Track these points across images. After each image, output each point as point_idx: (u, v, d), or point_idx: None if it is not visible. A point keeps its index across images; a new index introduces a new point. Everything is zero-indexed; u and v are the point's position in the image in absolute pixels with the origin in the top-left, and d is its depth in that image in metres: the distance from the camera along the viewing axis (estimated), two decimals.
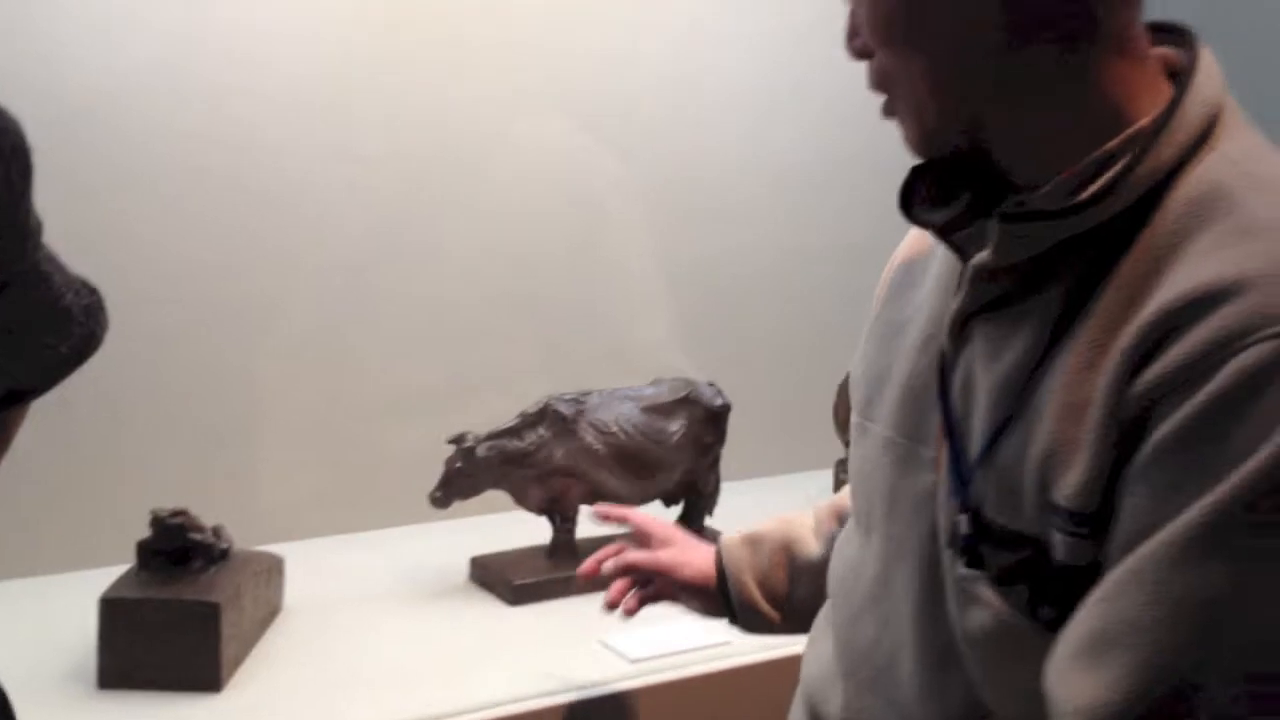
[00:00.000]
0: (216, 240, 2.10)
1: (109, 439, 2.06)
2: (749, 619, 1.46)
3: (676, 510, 2.11)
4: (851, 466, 1.23)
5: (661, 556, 1.54)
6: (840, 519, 1.41)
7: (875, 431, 1.16)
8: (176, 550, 1.73)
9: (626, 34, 2.37)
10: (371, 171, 2.19)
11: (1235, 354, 0.85)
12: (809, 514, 1.47)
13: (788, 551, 1.45)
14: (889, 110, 1.05)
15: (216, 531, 1.78)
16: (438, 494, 1.92)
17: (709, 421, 2.04)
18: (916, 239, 1.21)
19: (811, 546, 1.44)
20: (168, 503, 1.78)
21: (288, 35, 2.11)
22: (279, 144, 2.12)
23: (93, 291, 1.01)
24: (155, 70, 2.03)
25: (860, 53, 1.04)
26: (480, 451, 1.91)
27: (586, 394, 1.99)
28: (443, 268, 2.27)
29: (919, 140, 1.04)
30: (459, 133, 2.25)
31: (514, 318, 2.33)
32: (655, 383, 2.06)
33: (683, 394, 2.03)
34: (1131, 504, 0.90)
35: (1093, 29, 0.97)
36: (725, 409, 2.06)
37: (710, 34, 2.46)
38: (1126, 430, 0.91)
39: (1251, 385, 0.84)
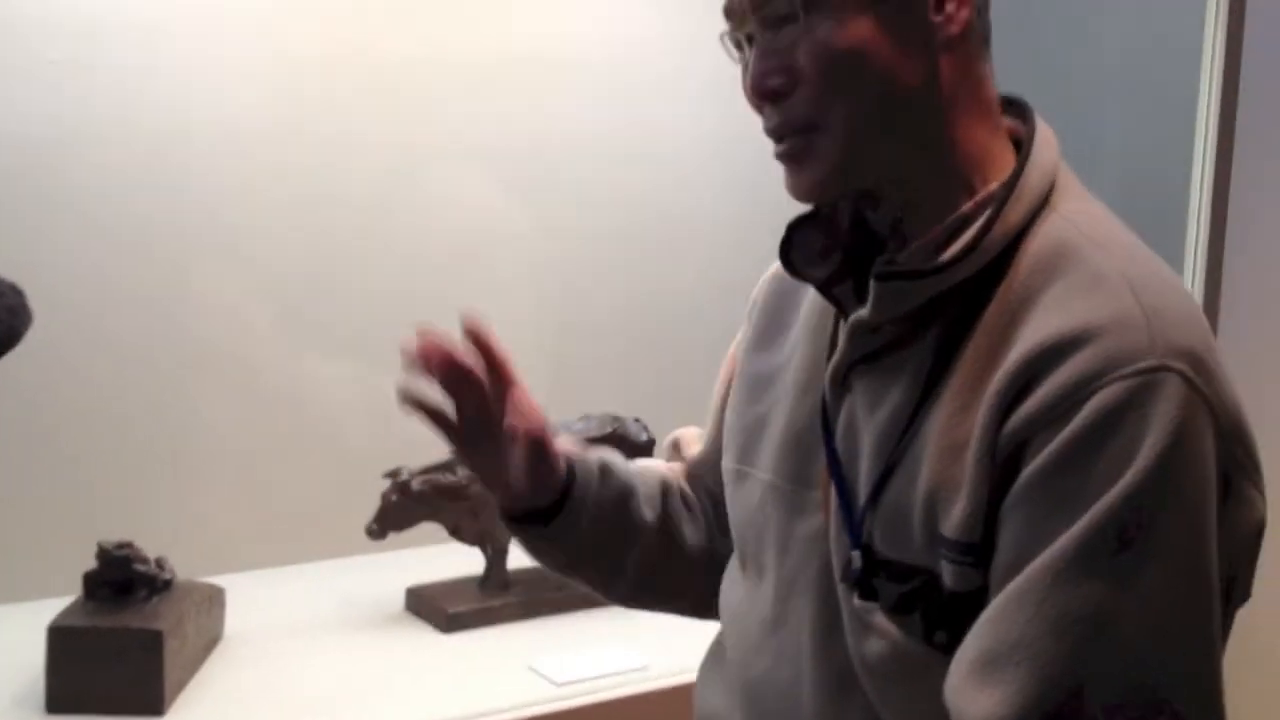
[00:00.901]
0: (157, 275, 2.16)
1: (55, 473, 2.11)
2: (552, 531, 1.31)
3: None
4: (731, 512, 1.28)
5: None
6: (665, 492, 1.39)
7: (756, 477, 1.23)
8: (121, 581, 1.80)
9: (574, 76, 2.45)
10: (306, 210, 2.27)
11: (1092, 394, 0.94)
12: (655, 473, 1.43)
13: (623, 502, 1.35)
14: (790, 153, 1.09)
15: (159, 563, 1.85)
16: (374, 526, 1.99)
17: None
18: (772, 285, 1.29)
19: (643, 509, 1.37)
20: (113, 535, 1.85)
21: (235, 77, 2.19)
22: (218, 181, 2.20)
23: (18, 293, 1.08)
24: (99, 112, 2.10)
25: (778, 91, 1.07)
26: (415, 485, 1.99)
27: None
28: (377, 303, 2.34)
29: (825, 179, 1.08)
30: (392, 173, 2.34)
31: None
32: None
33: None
34: (1010, 533, 0.99)
35: (968, 92, 1.08)
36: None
37: (656, 78, 2.54)
38: (1001, 467, 0.99)
39: (1108, 422, 0.94)
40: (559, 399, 2.35)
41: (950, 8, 1.05)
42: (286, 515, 2.29)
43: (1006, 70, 1.14)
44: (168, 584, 1.83)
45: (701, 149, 2.61)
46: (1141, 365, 0.94)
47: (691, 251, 2.62)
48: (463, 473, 2.01)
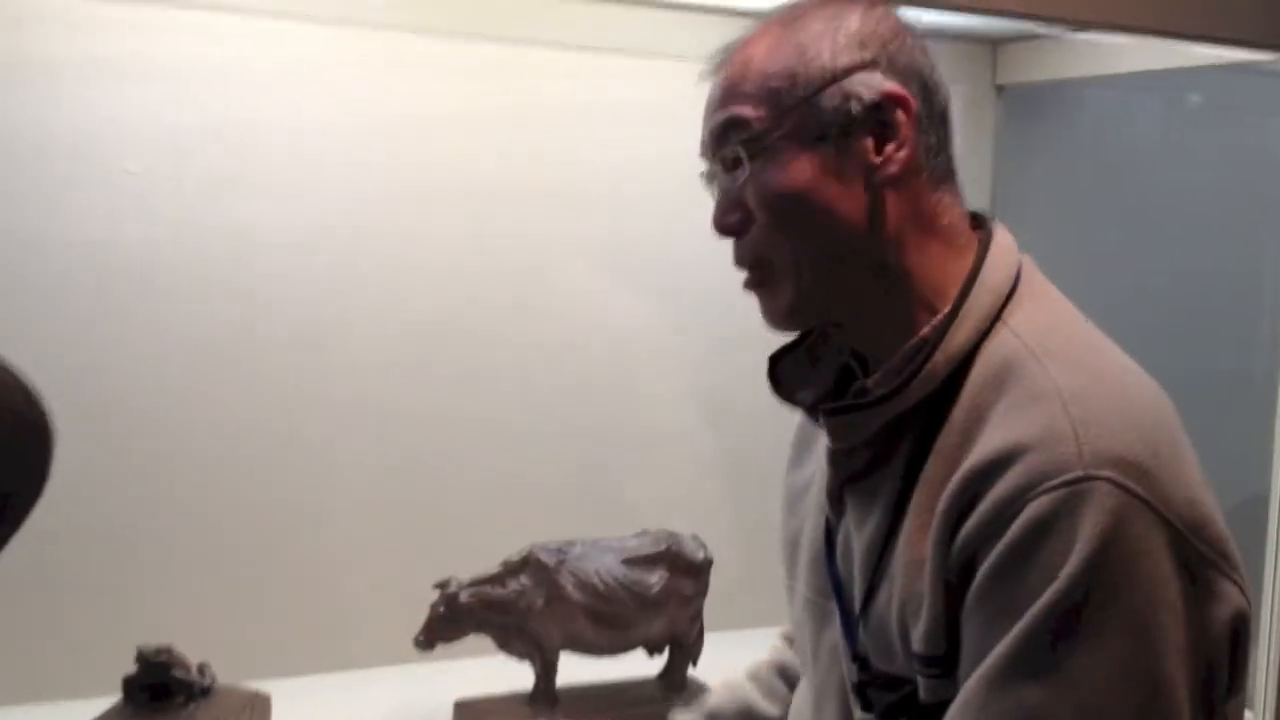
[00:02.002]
0: (205, 374, 2.16)
1: (99, 571, 2.10)
2: None
3: (661, 660, 2.14)
4: (791, 619, 1.36)
5: None
6: (780, 672, 1.47)
7: (798, 590, 1.30)
8: (160, 686, 1.79)
9: (659, 177, 2.43)
10: (365, 312, 2.27)
11: (1023, 507, 0.99)
12: (748, 676, 1.53)
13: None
14: (756, 283, 1.18)
15: (201, 669, 1.83)
16: (421, 638, 1.96)
17: (690, 574, 2.08)
18: None
19: (766, 709, 1.48)
20: (157, 637, 1.84)
21: (319, 186, 2.21)
22: (288, 281, 2.21)
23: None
24: (178, 219, 2.12)
25: (734, 229, 1.16)
26: (463, 597, 1.95)
27: (570, 544, 2.03)
28: (432, 413, 2.33)
29: (788, 311, 1.16)
30: (454, 268, 2.33)
31: (505, 461, 2.39)
32: (640, 534, 2.10)
33: (664, 546, 2.06)
34: (965, 643, 1.04)
35: (919, 224, 1.14)
36: (707, 563, 2.09)
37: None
38: (955, 581, 1.04)
39: (1038, 532, 0.99)
40: (625, 511, 2.38)
41: (889, 149, 1.12)
42: (335, 621, 2.27)
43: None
44: (206, 690, 1.82)
45: None
46: (1067, 477, 0.98)
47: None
48: (512, 586, 1.97)
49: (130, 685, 1.79)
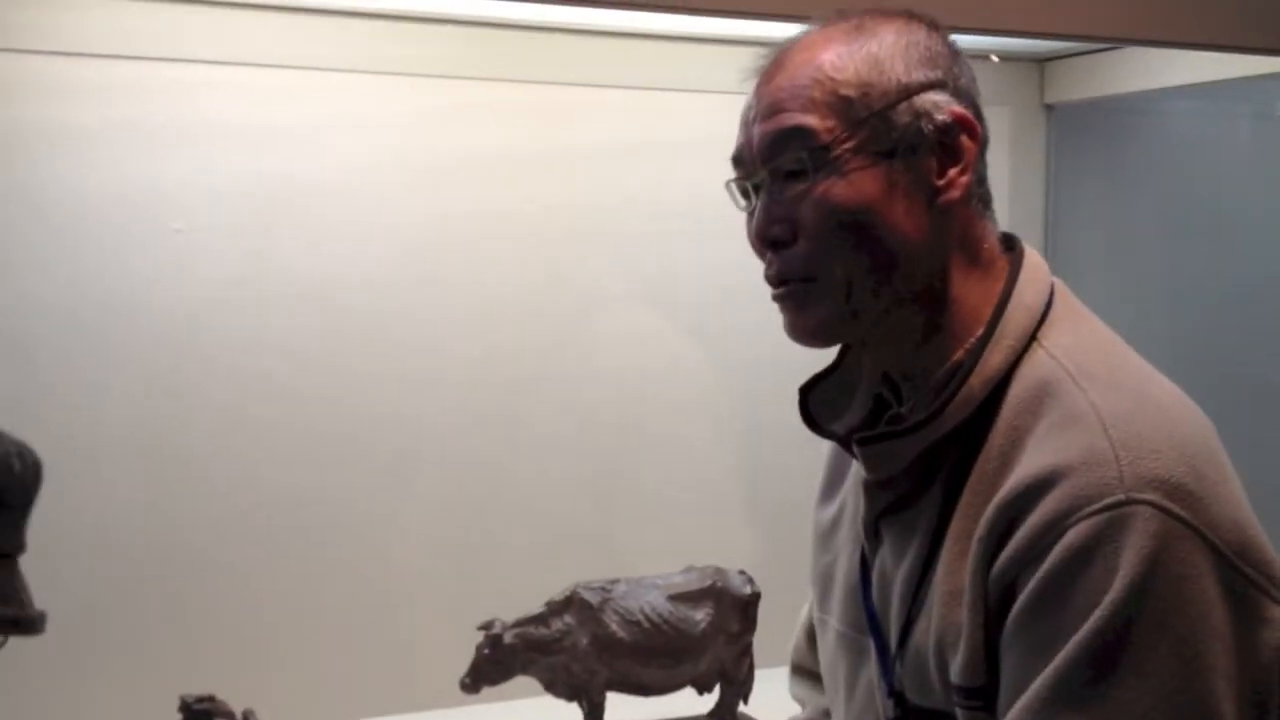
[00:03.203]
0: (255, 427, 2.17)
1: (145, 617, 2.11)
2: None
3: (711, 698, 2.11)
4: (820, 655, 1.34)
5: None
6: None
7: (830, 625, 1.27)
8: None
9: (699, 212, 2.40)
10: (411, 360, 2.27)
11: (1063, 533, 0.97)
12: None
13: None
14: (790, 296, 1.13)
15: (245, 716, 1.82)
16: (466, 680, 1.94)
17: (737, 610, 2.05)
18: None
19: None
20: (203, 683, 1.84)
21: (372, 236, 2.22)
22: (320, 337, 2.21)
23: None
24: (227, 276, 2.14)
25: (779, 240, 1.12)
26: (507, 639, 1.94)
27: (614, 582, 2.01)
28: (476, 456, 2.33)
29: (826, 323, 1.12)
30: (492, 321, 2.33)
31: (550, 500, 2.38)
32: (686, 570, 2.08)
33: (710, 582, 2.04)
34: (1005, 673, 1.02)
35: (966, 250, 1.12)
36: (755, 597, 2.06)
37: None
38: (994, 610, 1.02)
39: (1079, 559, 0.97)
40: (669, 547, 2.36)
41: (952, 173, 1.10)
42: (382, 665, 2.26)
43: None
44: None
45: None
46: (1109, 500, 0.97)
47: None
48: (556, 625, 1.95)
49: None
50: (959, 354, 1.10)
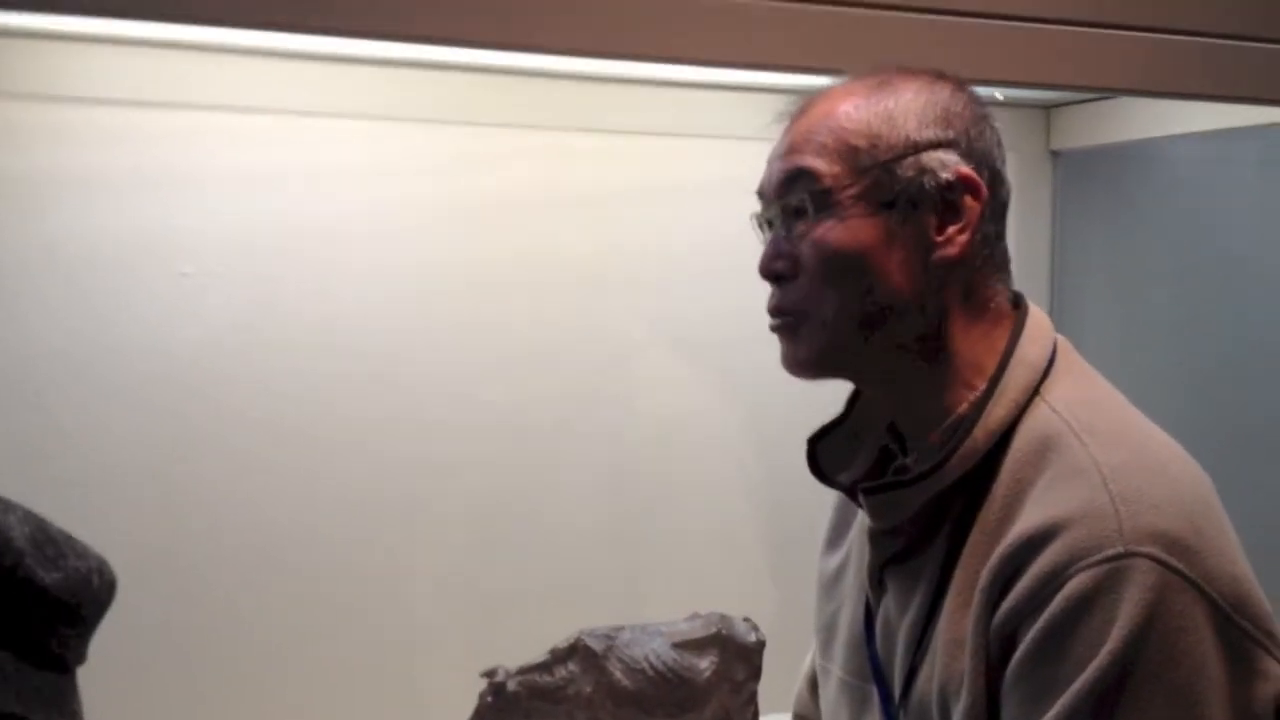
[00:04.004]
0: (269, 472, 2.18)
1: (145, 662, 2.11)
2: None
3: None
4: (821, 703, 1.37)
5: None
6: None
7: (833, 673, 1.31)
8: None
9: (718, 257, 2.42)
10: (424, 407, 2.28)
11: (1063, 584, 1.00)
12: None
13: None
14: (786, 329, 1.18)
15: None
16: None
17: (742, 658, 2.04)
18: None
19: None
20: None
21: (381, 280, 2.23)
22: (334, 382, 2.22)
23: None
24: (235, 321, 2.15)
25: (779, 274, 1.17)
26: (511, 686, 1.93)
27: (619, 629, 2.00)
28: (479, 497, 2.33)
29: (813, 357, 1.16)
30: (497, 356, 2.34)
31: (551, 545, 2.38)
32: (690, 617, 2.07)
33: (715, 629, 2.03)
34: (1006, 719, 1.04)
35: (970, 307, 1.15)
36: (760, 645, 2.05)
37: None
38: (995, 659, 1.05)
39: (1078, 609, 0.99)
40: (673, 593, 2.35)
41: (951, 230, 1.13)
42: (387, 711, 2.25)
43: None
44: None
45: None
46: (1109, 553, 0.99)
47: None
48: (560, 673, 1.95)
49: None
50: (963, 407, 1.12)
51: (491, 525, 2.33)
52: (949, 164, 1.13)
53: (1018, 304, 1.20)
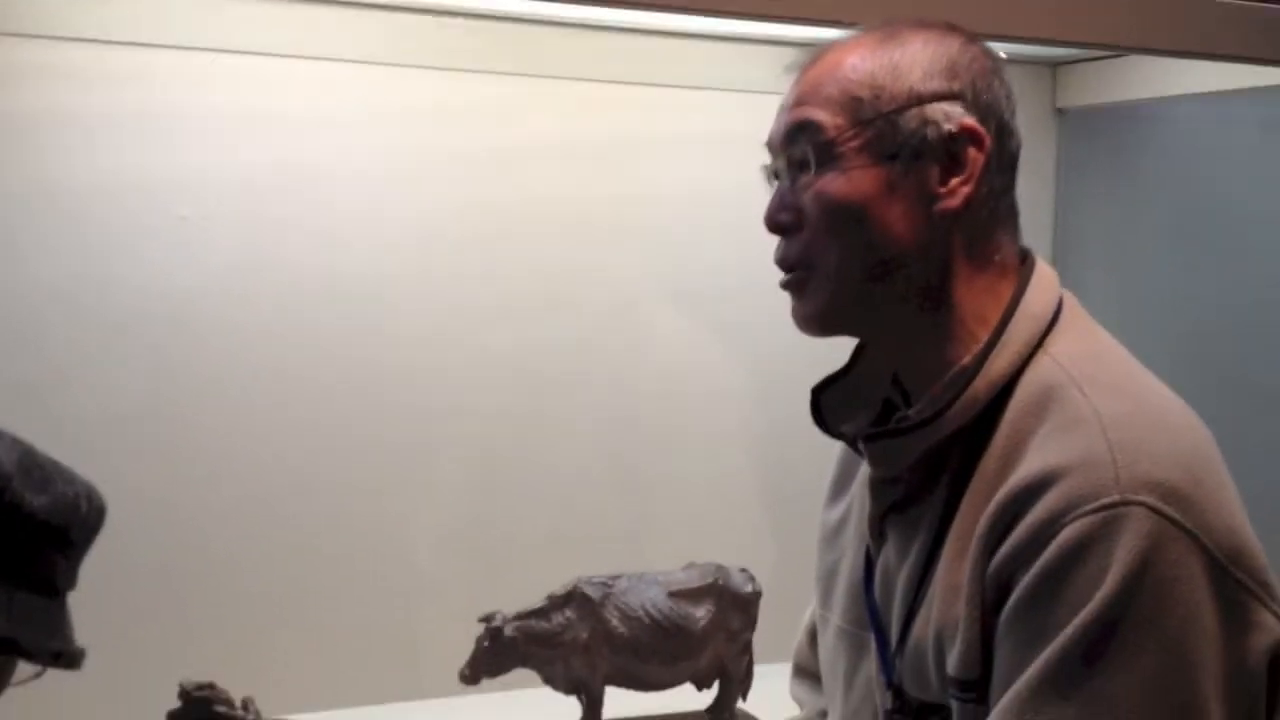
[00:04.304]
0: (263, 413, 2.18)
1: (145, 604, 2.12)
2: None
3: (710, 694, 2.12)
4: (820, 652, 1.37)
5: None
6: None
7: (832, 622, 1.31)
8: None
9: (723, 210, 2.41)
10: (422, 351, 2.28)
11: (1058, 531, 1.00)
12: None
13: None
14: (793, 284, 1.18)
15: (245, 704, 1.83)
16: (466, 671, 1.95)
17: (738, 607, 2.05)
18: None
19: None
20: (205, 670, 1.85)
21: (378, 227, 2.23)
22: (332, 327, 2.22)
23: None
24: (232, 263, 2.15)
25: (784, 227, 1.17)
26: (508, 631, 1.94)
27: (616, 577, 2.02)
28: (484, 449, 2.34)
29: (820, 314, 1.16)
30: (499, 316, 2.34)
31: (554, 494, 2.39)
32: (687, 567, 2.08)
33: (711, 579, 2.04)
34: (998, 665, 1.04)
35: (974, 258, 1.15)
36: (755, 595, 2.07)
37: None
38: (990, 605, 1.05)
39: (1073, 556, 0.99)
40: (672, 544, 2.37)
41: (954, 182, 1.12)
42: (382, 654, 2.27)
43: None
44: None
45: None
46: (1104, 501, 0.99)
47: None
48: (556, 620, 1.96)
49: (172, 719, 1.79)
50: (965, 359, 1.12)
51: (492, 473, 2.34)
52: (953, 116, 1.12)
53: (1025, 259, 1.20)
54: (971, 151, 1.13)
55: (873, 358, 1.24)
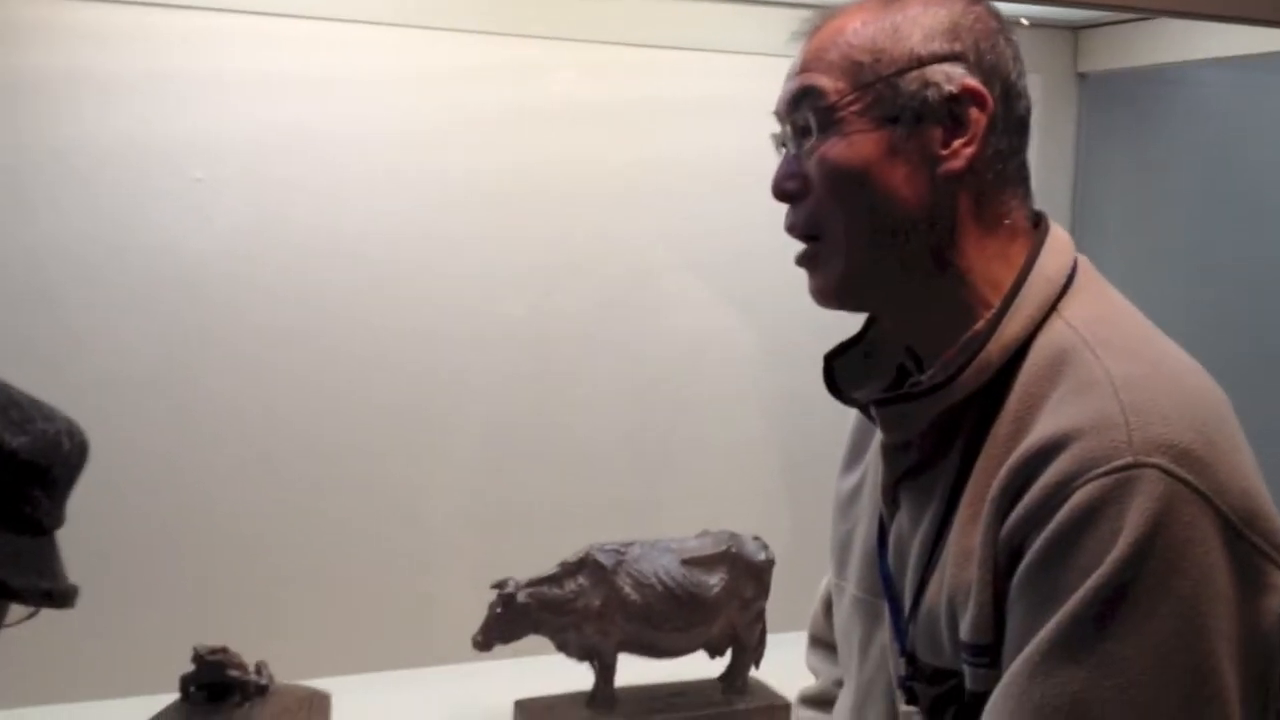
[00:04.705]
0: (270, 376, 2.18)
1: (160, 569, 2.12)
2: None
3: (722, 662, 2.11)
4: (835, 621, 1.36)
5: None
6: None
7: (847, 590, 1.30)
8: (217, 685, 1.79)
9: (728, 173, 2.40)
10: (429, 315, 2.27)
11: (1071, 494, 0.99)
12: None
13: None
14: (806, 258, 1.17)
15: (259, 668, 1.84)
16: (479, 637, 1.95)
17: (751, 575, 2.04)
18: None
19: None
20: (221, 635, 1.86)
21: (385, 191, 2.21)
22: (339, 290, 2.21)
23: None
24: (244, 226, 2.14)
25: (790, 194, 1.16)
26: (520, 598, 1.94)
27: (629, 544, 2.01)
28: (494, 416, 2.33)
29: (833, 287, 1.16)
30: (508, 277, 2.32)
31: (567, 462, 2.38)
32: (701, 535, 2.08)
33: (725, 547, 2.03)
34: (1010, 629, 1.04)
35: (983, 221, 1.13)
36: (769, 564, 2.06)
37: None
38: (1002, 569, 1.04)
39: (1085, 518, 0.98)
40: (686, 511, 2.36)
41: (957, 144, 1.11)
42: (398, 620, 2.27)
43: None
44: (263, 689, 1.82)
45: None
46: (1117, 463, 0.98)
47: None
48: (569, 586, 1.95)
49: (187, 684, 1.79)
50: (978, 324, 1.11)
51: (505, 439, 2.33)
52: (954, 77, 1.11)
53: (1038, 223, 1.18)
54: (974, 112, 1.11)
55: (885, 325, 1.23)
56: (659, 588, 1.98)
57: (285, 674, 1.96)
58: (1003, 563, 1.04)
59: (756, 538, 2.08)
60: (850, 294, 1.17)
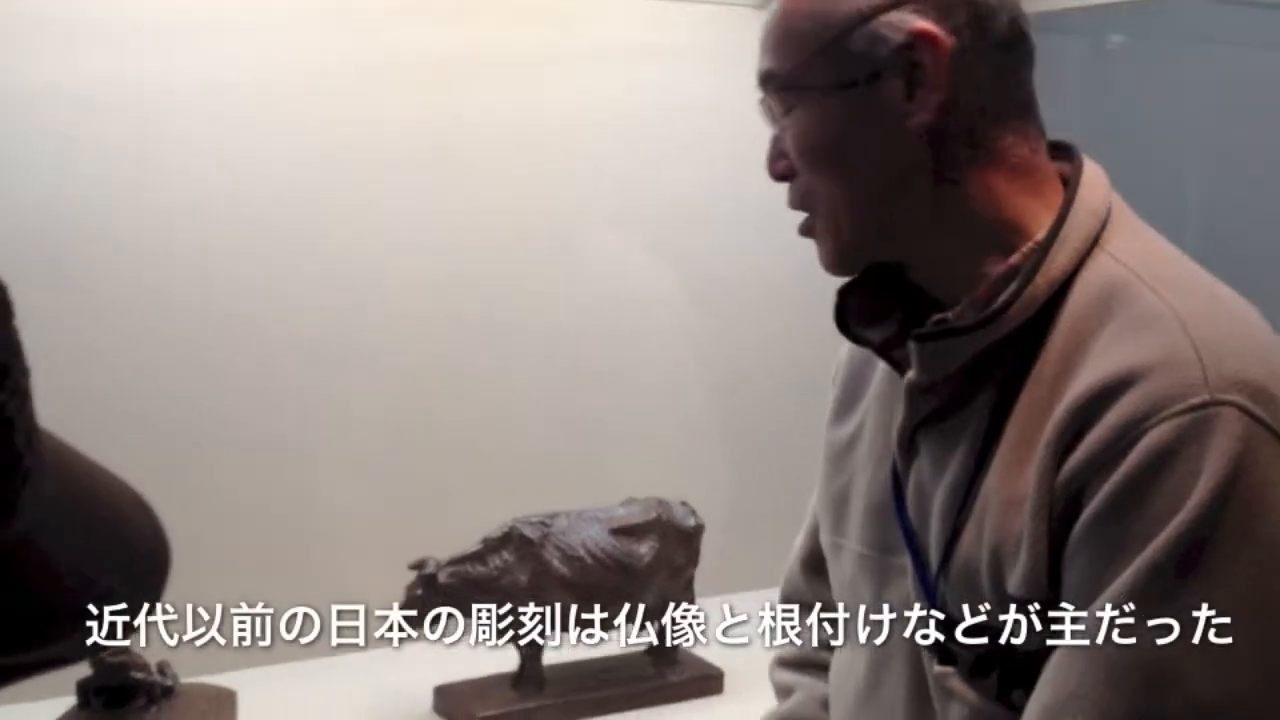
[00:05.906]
0: (174, 362, 2.05)
1: None
2: None
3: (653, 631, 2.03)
4: (832, 583, 1.29)
5: None
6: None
7: (848, 548, 1.23)
8: (118, 688, 1.67)
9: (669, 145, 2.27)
10: (337, 291, 2.14)
11: (1142, 435, 0.93)
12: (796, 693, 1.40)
13: None
14: (807, 228, 1.14)
15: (161, 668, 1.72)
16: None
17: (681, 542, 1.97)
18: (850, 355, 1.30)
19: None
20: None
21: (255, 146, 2.07)
22: (230, 250, 2.07)
23: None
24: (112, 189, 1.98)
25: (782, 175, 1.13)
26: (442, 578, 1.84)
27: (554, 516, 1.92)
28: (406, 386, 2.21)
29: (835, 257, 1.12)
30: (417, 243, 2.20)
31: (481, 432, 2.27)
32: (627, 503, 2.00)
33: (654, 514, 1.96)
34: (1071, 581, 0.97)
35: (979, 161, 1.07)
36: (698, 529, 1.99)
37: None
38: (1060, 517, 0.98)
39: (1159, 461, 0.92)
40: (608, 480, 2.26)
41: (921, 93, 1.05)
42: (307, 604, 2.14)
43: None
44: (168, 691, 1.70)
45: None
46: (1193, 401, 0.93)
47: (750, 327, 2.30)
48: (493, 563, 1.86)
49: (85, 688, 1.66)
50: (1015, 257, 1.05)
51: (418, 412, 2.22)
52: (902, 25, 1.04)
53: (1072, 156, 1.11)
54: (928, 57, 1.04)
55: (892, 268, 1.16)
56: (588, 559, 1.89)
57: (186, 672, 1.83)
58: (1060, 511, 0.98)
59: (684, 503, 2.01)
60: (850, 260, 1.13)
